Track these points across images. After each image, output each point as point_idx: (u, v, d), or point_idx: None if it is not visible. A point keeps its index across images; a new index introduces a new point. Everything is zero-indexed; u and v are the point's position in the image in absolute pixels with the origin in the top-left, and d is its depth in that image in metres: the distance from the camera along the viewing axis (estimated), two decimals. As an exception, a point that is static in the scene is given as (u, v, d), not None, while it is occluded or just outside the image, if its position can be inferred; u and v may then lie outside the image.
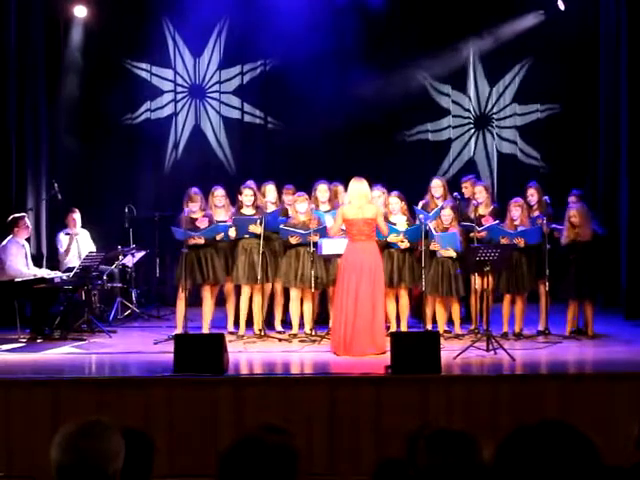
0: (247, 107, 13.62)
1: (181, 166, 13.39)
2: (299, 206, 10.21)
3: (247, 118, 13.63)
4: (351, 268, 9.17)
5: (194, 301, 10.62)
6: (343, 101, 12.74)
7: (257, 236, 10.11)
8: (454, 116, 13.74)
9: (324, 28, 12.63)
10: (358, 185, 9.33)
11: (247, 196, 10.33)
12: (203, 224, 10.15)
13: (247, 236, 10.19)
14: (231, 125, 13.63)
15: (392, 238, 9.87)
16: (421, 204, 10.81)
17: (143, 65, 13.51)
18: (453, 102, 13.71)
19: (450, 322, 10.28)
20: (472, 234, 10.07)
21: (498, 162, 13.67)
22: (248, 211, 10.34)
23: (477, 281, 9.98)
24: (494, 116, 13.72)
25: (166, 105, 13.62)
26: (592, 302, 10.09)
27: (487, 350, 8.79)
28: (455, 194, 10.75)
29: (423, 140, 13.70)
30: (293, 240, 10.10)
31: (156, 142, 13.46)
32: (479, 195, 10.49)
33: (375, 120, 13.04)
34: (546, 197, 10.45)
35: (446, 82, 13.64)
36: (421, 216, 10.13)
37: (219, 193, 10.50)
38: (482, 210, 10.45)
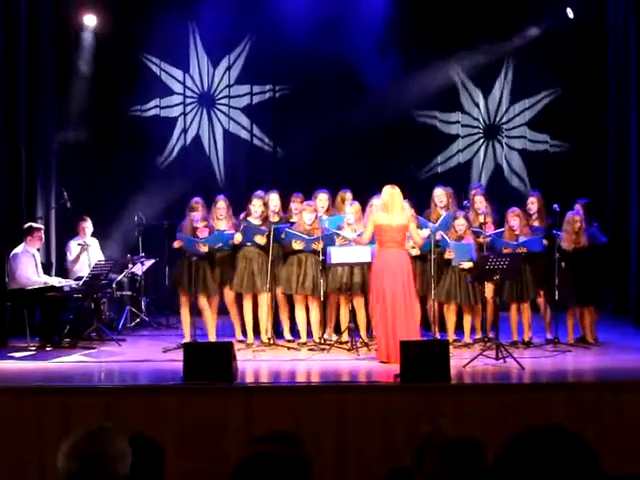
0: (255, 129, 13.72)
1: (176, 172, 13.40)
2: (306, 216, 10.22)
3: (250, 137, 13.74)
4: (384, 276, 9.14)
5: (197, 311, 10.60)
6: (351, 120, 12.95)
7: (259, 246, 10.14)
8: (464, 112, 13.78)
9: (336, 55, 12.95)
10: (391, 192, 9.30)
11: (255, 206, 10.34)
12: (203, 234, 10.15)
13: (249, 244, 10.20)
14: (232, 140, 13.73)
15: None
16: (424, 214, 10.81)
17: (162, 64, 13.62)
18: (465, 91, 13.74)
19: (460, 330, 10.27)
20: (479, 239, 10.10)
21: (498, 173, 13.68)
22: (255, 221, 10.35)
23: (487, 289, 10.00)
24: (505, 133, 13.74)
25: (175, 106, 13.72)
26: (592, 309, 10.09)
27: (496, 358, 8.78)
28: (465, 202, 10.75)
29: (432, 126, 13.75)
30: (296, 245, 10.10)
31: (162, 144, 13.56)
32: (480, 205, 10.50)
33: (386, 119, 13.20)
34: (555, 205, 10.42)
35: (473, 81, 13.71)
36: (431, 224, 10.15)
37: (221, 205, 10.49)
38: (483, 218, 10.47)
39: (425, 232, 9.92)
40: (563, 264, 10.01)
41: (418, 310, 10.11)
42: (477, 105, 13.78)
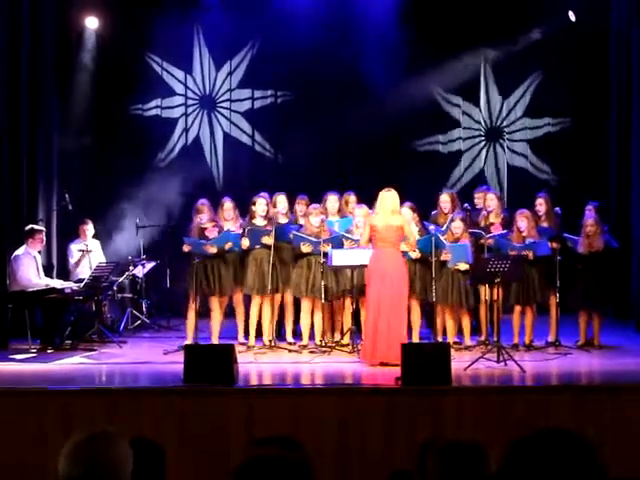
0: (256, 134, 13.74)
1: (176, 174, 13.38)
2: (313, 219, 10.23)
3: (251, 142, 13.76)
4: (375, 276, 9.21)
5: (204, 312, 10.62)
6: (352, 127, 13.01)
7: (268, 247, 10.16)
8: (464, 128, 13.78)
9: (335, 60, 13.07)
10: (386, 195, 9.40)
11: (261, 205, 10.36)
12: (212, 234, 10.17)
13: (258, 246, 10.23)
14: (232, 144, 13.74)
15: (404, 246, 9.83)
16: (431, 216, 10.85)
17: (164, 64, 13.65)
18: (464, 113, 13.77)
19: (460, 333, 10.27)
20: (481, 241, 10.10)
21: (509, 175, 13.69)
22: (260, 222, 10.36)
23: (487, 292, 10.00)
24: (505, 129, 13.74)
25: (176, 107, 13.73)
26: (600, 313, 10.08)
27: (497, 361, 8.78)
28: (465, 205, 10.77)
29: (434, 151, 13.74)
30: (305, 248, 10.10)
31: (162, 145, 13.57)
32: (490, 203, 10.52)
33: (387, 136, 13.18)
34: (557, 208, 10.44)
35: (457, 94, 13.70)
36: (432, 227, 10.18)
37: (228, 206, 10.52)
38: (492, 218, 10.49)
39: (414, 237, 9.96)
40: (579, 266, 10.02)
41: (418, 311, 10.15)
42: (469, 115, 13.77)
